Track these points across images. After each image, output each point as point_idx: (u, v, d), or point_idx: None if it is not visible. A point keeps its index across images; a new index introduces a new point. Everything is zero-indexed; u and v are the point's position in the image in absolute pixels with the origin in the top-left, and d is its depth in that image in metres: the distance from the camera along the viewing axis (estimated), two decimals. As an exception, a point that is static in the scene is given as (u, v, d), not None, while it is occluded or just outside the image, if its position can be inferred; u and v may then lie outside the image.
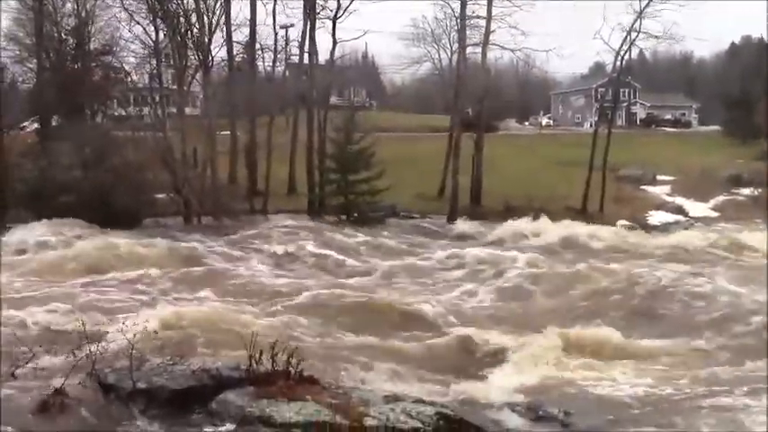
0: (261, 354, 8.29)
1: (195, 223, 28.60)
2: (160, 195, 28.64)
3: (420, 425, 7.15)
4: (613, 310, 14.13)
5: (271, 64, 37.63)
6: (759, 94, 48.00)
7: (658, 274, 16.09)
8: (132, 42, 32.00)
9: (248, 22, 34.42)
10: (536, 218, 29.90)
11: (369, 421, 7.17)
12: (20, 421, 7.26)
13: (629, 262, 19.50)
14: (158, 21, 30.51)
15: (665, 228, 30.45)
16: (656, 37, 34.31)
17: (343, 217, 31.34)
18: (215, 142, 31.82)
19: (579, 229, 27.09)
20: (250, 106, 35.27)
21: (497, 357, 11.14)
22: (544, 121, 70.03)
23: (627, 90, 63.20)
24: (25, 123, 34.65)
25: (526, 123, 73.19)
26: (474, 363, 11.07)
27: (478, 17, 33.88)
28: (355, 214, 31.30)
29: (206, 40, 31.52)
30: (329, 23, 35.05)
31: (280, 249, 20.26)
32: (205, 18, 31.28)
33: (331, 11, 34.40)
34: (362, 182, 31.28)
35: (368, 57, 70.26)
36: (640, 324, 13.13)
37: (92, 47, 33.51)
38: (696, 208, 35.11)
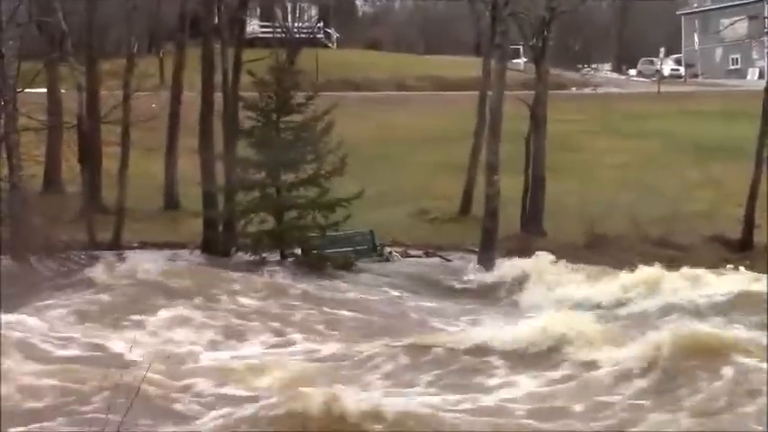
0: None
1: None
2: None
3: None
4: None
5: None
6: None
7: None
8: None
9: None
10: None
11: None
12: None
13: None
14: None
15: None
16: None
17: (271, 257, 31.22)
18: (15, 109, 31.94)
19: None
20: (85, 36, 35.54)
21: None
22: (668, 67, 70.15)
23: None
24: None
25: (632, 72, 73.22)
26: None
27: None
28: (296, 251, 31.44)
29: None
30: None
31: None
32: None
33: None
34: (308, 184, 31.37)
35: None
36: None
37: None
38: None
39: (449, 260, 33.50)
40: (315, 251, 31.24)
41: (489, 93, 35.39)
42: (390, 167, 40.89)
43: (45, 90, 38.62)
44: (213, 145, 34.14)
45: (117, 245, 33.42)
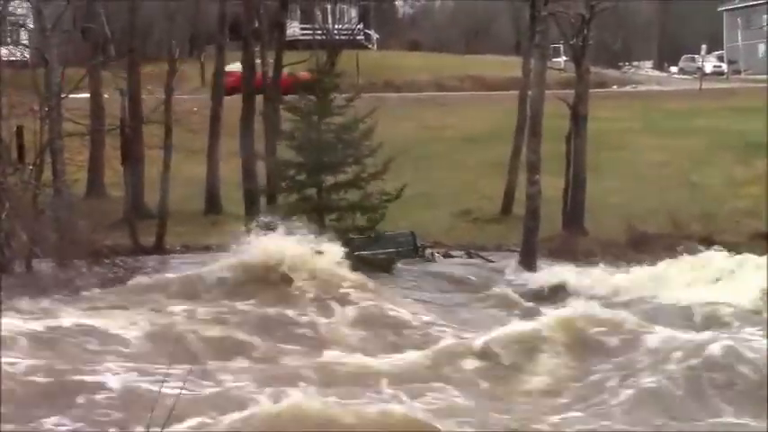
0: None
1: (21, 272, 28.49)
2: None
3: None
4: None
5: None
6: None
7: None
8: None
9: None
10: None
11: None
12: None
13: None
14: None
15: None
16: None
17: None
18: (59, 114, 32.19)
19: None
20: (127, 41, 36.53)
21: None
22: (710, 64, 70.21)
23: None
24: None
25: (673, 70, 73.02)
26: None
27: None
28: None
29: None
30: None
31: None
32: None
33: None
34: (349, 187, 31.41)
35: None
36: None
37: None
38: None
39: (490, 261, 33.33)
40: (356, 253, 30.51)
41: (529, 92, 35.08)
42: (431, 168, 40.99)
43: (88, 95, 38.94)
44: (254, 146, 34.46)
45: (160, 249, 33.64)
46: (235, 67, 47.71)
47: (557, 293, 27.97)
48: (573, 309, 21.86)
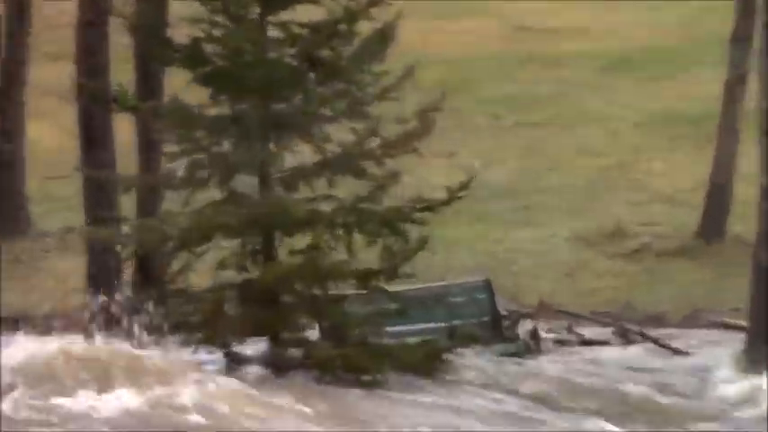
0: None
1: None
2: None
3: None
4: None
5: None
6: None
7: None
8: None
9: None
10: None
11: None
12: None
13: None
14: None
15: None
16: None
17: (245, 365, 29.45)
18: None
19: None
20: None
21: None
22: None
23: None
24: None
25: None
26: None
27: None
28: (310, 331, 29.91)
29: None
30: None
31: None
32: None
33: None
34: (340, 171, 29.91)
35: None
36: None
37: None
38: None
39: (680, 351, 32.87)
40: (353, 331, 28.97)
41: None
42: (526, 130, 40.43)
43: None
44: (109, 83, 32.11)
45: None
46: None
47: None
48: None
